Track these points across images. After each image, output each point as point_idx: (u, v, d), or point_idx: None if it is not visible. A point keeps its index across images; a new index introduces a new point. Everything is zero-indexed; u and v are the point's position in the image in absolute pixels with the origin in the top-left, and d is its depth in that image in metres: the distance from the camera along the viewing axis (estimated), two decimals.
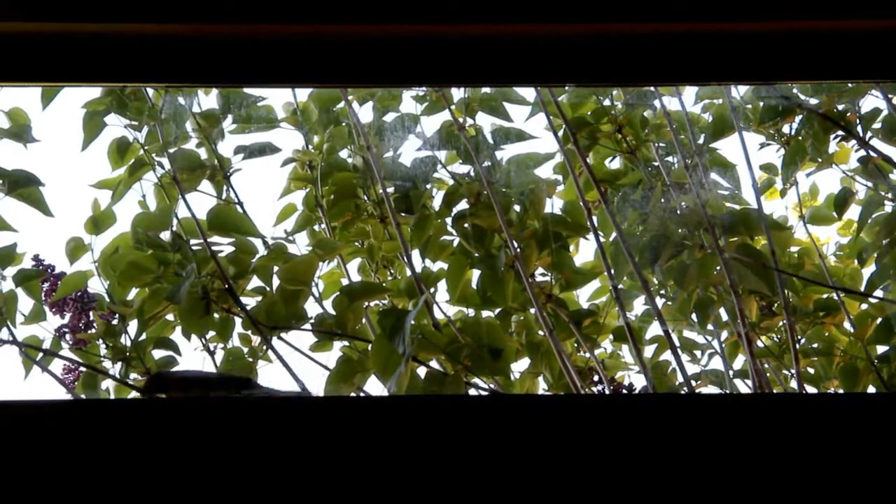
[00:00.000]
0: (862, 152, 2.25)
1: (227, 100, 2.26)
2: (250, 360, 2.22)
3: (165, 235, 2.22)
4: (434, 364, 2.16)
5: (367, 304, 2.23)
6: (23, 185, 2.16)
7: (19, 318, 2.22)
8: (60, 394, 2.20)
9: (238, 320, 2.22)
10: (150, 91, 2.21)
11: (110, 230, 2.24)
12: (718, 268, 2.22)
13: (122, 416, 1.23)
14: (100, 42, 1.33)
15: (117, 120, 2.22)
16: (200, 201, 2.25)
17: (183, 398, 2.07)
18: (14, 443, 1.20)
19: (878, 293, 2.26)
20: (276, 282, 2.22)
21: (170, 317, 2.23)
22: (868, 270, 2.28)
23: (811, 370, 2.27)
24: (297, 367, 2.21)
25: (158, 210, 2.24)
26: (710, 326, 2.26)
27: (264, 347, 2.21)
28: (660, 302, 2.27)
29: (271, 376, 2.23)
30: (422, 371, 2.15)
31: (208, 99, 2.27)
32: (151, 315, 2.21)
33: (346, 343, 2.19)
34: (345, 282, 2.31)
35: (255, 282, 2.23)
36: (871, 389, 2.22)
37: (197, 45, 1.35)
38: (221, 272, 2.18)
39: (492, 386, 2.18)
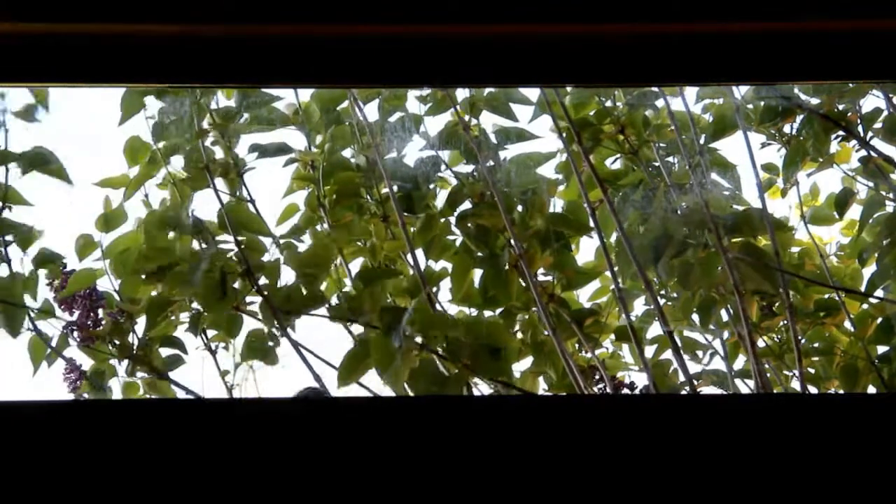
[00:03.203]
0: (863, 152, 2.26)
1: (242, 98, 2.26)
2: (270, 344, 2.22)
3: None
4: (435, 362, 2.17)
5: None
6: (40, 164, 2.16)
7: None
8: (63, 393, 2.21)
9: (246, 318, 2.23)
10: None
11: (120, 228, 2.26)
12: (720, 267, 2.22)
13: (124, 417, 1.23)
14: (99, 42, 1.33)
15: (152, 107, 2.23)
16: (211, 199, 2.27)
17: (183, 399, 2.08)
18: (16, 443, 1.21)
19: (879, 293, 2.26)
20: (282, 280, 2.23)
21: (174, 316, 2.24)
22: (869, 270, 2.28)
23: (811, 370, 2.27)
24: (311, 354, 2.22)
25: (172, 206, 2.24)
26: (711, 326, 2.26)
27: (278, 335, 2.21)
28: (662, 302, 2.26)
29: (283, 372, 2.24)
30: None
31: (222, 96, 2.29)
32: (165, 304, 2.21)
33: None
34: (346, 281, 2.31)
35: (264, 280, 2.24)
36: (872, 389, 2.22)
37: (197, 45, 1.35)
38: (244, 257, 2.19)
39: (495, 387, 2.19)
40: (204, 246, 2.22)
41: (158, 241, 2.21)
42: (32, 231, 2.22)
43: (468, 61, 1.40)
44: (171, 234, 2.24)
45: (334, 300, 2.25)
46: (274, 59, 1.37)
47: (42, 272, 2.23)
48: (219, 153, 2.26)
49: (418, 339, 2.14)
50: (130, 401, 2.09)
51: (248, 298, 2.23)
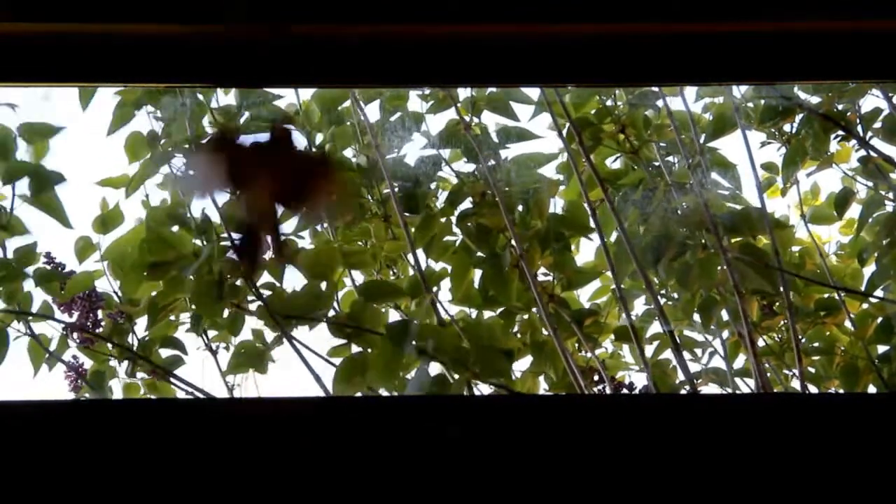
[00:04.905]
0: (862, 152, 2.26)
1: (243, 97, 2.26)
2: (262, 346, 2.22)
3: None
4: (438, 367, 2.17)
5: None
6: (48, 183, 2.15)
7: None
8: (65, 392, 2.22)
9: (247, 318, 2.23)
10: None
11: (118, 229, 2.26)
12: (720, 267, 2.22)
13: (124, 417, 1.23)
14: (99, 42, 1.33)
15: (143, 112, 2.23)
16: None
17: (183, 399, 2.08)
18: (16, 443, 1.21)
19: (879, 293, 2.26)
20: (286, 279, 2.23)
21: (173, 317, 2.24)
22: (869, 270, 2.28)
23: (811, 369, 2.27)
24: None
25: (173, 204, 2.24)
26: (712, 327, 2.26)
27: (280, 339, 2.21)
28: (662, 301, 2.26)
29: (283, 372, 2.23)
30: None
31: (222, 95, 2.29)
32: (166, 303, 2.21)
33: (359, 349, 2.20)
34: (347, 281, 2.31)
35: (266, 278, 2.24)
36: (872, 389, 2.22)
37: (197, 45, 1.35)
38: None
39: (495, 385, 2.19)
40: (205, 244, 2.21)
41: (161, 235, 2.20)
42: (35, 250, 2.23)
43: (469, 61, 1.40)
44: (175, 229, 2.23)
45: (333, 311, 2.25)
46: (274, 59, 1.37)
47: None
48: None
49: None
50: (131, 401, 2.09)
51: (250, 297, 2.23)
